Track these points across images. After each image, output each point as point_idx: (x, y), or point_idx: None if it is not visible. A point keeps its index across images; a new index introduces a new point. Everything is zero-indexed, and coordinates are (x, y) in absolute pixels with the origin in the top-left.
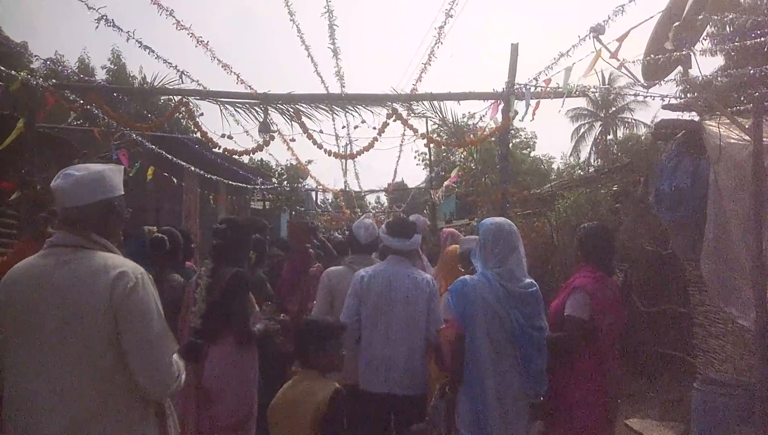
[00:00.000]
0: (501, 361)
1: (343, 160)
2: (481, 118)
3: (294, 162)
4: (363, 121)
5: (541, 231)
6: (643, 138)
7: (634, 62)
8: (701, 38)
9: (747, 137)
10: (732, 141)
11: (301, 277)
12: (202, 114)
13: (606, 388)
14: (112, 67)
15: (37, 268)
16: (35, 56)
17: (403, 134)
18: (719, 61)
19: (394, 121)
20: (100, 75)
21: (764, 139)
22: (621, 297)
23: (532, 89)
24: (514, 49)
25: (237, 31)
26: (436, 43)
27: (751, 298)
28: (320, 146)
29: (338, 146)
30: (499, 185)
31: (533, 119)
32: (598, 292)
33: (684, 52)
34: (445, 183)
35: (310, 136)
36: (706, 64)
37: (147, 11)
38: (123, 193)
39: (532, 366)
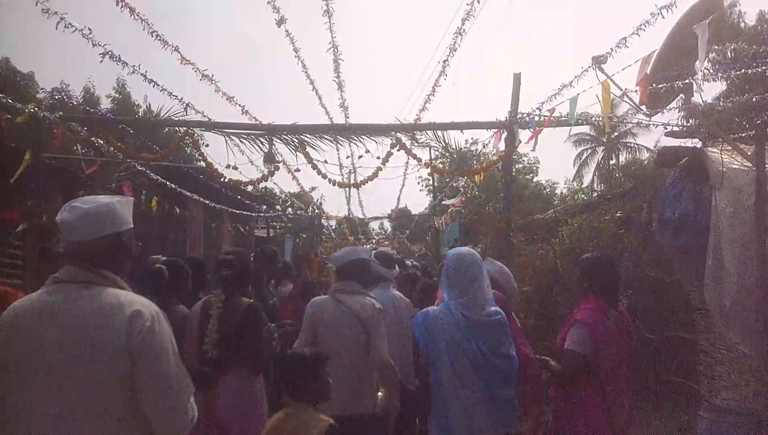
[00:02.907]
0: (466, 391)
1: (347, 189)
2: (484, 145)
3: (298, 189)
4: (367, 151)
5: (546, 258)
6: (645, 163)
7: (636, 91)
8: (702, 67)
9: (749, 163)
10: (734, 167)
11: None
12: (207, 145)
13: (610, 421)
14: (117, 96)
15: (42, 305)
16: (41, 88)
17: (407, 162)
18: (720, 86)
19: (398, 150)
20: (105, 104)
21: (767, 166)
22: (628, 327)
23: (536, 119)
24: (517, 78)
25: (240, 61)
26: (440, 76)
27: (751, 325)
28: (324, 176)
29: (342, 175)
30: (503, 213)
31: (534, 149)
32: (599, 325)
33: (686, 81)
34: (449, 209)
35: (314, 167)
36: (707, 89)
37: (152, 42)
38: (132, 226)
39: (499, 395)
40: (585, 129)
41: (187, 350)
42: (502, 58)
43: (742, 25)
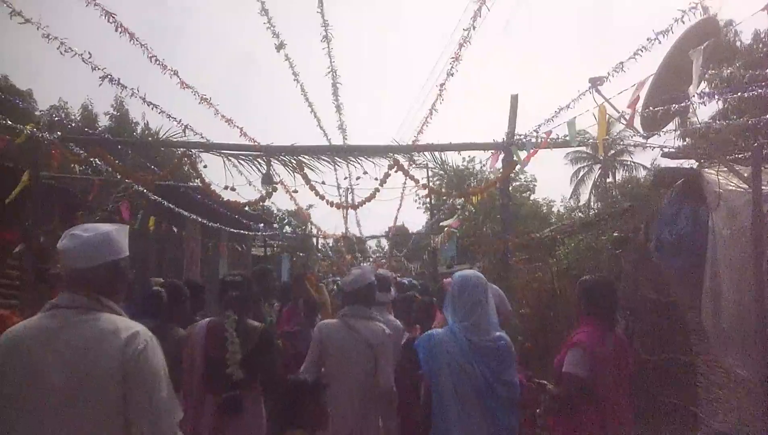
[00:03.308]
0: (468, 416)
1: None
2: (482, 163)
3: (295, 207)
4: (365, 172)
5: (543, 280)
6: (642, 181)
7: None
8: (696, 92)
9: (745, 185)
10: (730, 188)
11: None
12: (205, 166)
13: None
14: (115, 113)
15: (41, 330)
16: (40, 111)
17: (404, 183)
18: (717, 105)
19: (396, 172)
20: (103, 121)
21: (763, 187)
22: (625, 350)
23: (533, 141)
24: (514, 99)
25: (239, 75)
26: (437, 99)
27: (749, 348)
28: (322, 197)
29: (340, 196)
30: (500, 235)
31: (523, 167)
32: (597, 347)
33: (682, 104)
34: (445, 229)
35: (312, 188)
36: (704, 108)
37: (151, 62)
38: (128, 253)
39: (500, 422)
40: (581, 147)
41: (189, 372)
42: (501, 65)
43: (738, 44)
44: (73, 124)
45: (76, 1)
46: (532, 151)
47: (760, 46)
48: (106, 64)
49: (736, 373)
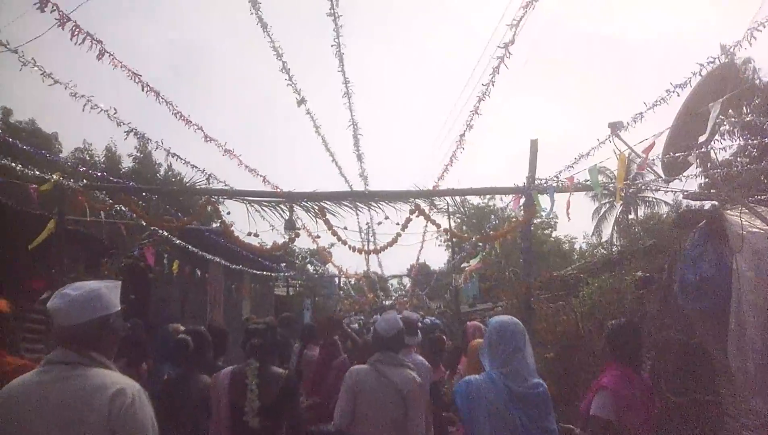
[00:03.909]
0: None
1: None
2: (503, 201)
3: (316, 247)
4: (386, 218)
5: (567, 323)
6: (664, 217)
7: (654, 159)
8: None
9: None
10: (754, 230)
11: (328, 369)
12: (229, 212)
13: None
14: (139, 154)
15: (34, 386)
16: (68, 162)
17: (426, 226)
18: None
19: (417, 216)
20: (127, 163)
21: None
22: (651, 393)
23: (553, 184)
24: (534, 144)
25: (260, 119)
26: (457, 149)
27: None
28: (344, 242)
29: (362, 240)
30: (523, 278)
31: (552, 214)
32: (624, 391)
33: (702, 150)
34: (467, 269)
35: (334, 233)
36: (724, 144)
37: (176, 99)
38: (119, 308)
39: None
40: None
41: (216, 420)
42: (522, 93)
43: (757, 81)
44: (99, 173)
45: (104, 59)
46: (566, 203)
47: None
48: (130, 109)
49: (766, 415)
